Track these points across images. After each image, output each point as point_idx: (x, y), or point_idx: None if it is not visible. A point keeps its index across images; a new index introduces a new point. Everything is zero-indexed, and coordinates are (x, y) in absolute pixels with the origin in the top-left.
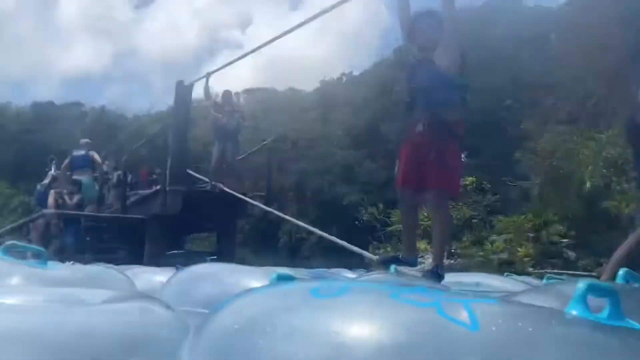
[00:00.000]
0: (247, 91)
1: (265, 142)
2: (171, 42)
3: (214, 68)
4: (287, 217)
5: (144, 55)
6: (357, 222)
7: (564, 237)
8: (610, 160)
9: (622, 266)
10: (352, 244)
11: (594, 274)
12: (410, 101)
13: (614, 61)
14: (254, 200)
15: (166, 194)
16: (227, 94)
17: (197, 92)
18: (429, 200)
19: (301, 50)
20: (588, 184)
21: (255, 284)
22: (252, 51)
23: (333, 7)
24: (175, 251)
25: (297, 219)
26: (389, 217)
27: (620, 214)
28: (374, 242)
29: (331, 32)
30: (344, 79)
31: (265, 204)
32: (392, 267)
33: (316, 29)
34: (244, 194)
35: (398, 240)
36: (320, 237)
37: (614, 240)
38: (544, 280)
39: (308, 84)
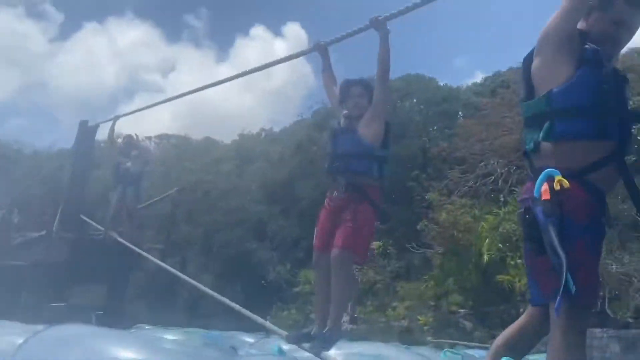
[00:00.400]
0: (161, 136)
1: (170, 192)
2: (86, 80)
3: (131, 110)
4: (179, 274)
5: (54, 90)
6: (263, 282)
7: (462, 308)
8: (506, 235)
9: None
10: (257, 303)
11: (487, 345)
12: (330, 167)
13: (513, 142)
14: (151, 252)
15: (52, 239)
16: (129, 138)
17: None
18: (333, 261)
19: (223, 101)
20: (486, 257)
21: (123, 353)
22: (170, 99)
23: (261, 68)
24: (58, 304)
25: (200, 274)
26: (296, 277)
27: (513, 288)
28: (279, 303)
29: (255, 87)
30: (263, 134)
31: (162, 257)
32: (276, 347)
33: (241, 81)
34: (140, 246)
35: (303, 302)
36: (223, 294)
37: (507, 313)
38: (442, 355)
39: (226, 136)
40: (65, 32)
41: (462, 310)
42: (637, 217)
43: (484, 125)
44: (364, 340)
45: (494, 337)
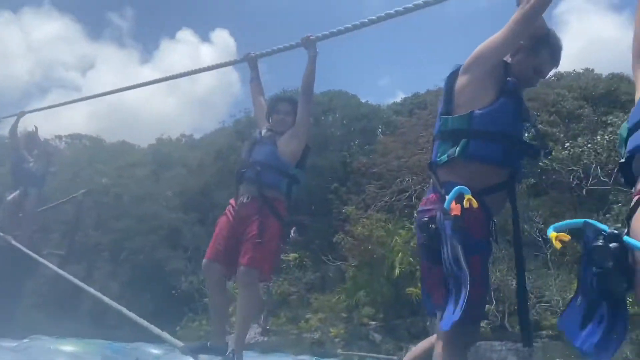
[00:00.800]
0: (73, 136)
1: (75, 195)
2: None
3: (42, 106)
4: (75, 281)
5: None
6: (174, 291)
7: (373, 320)
8: (416, 250)
9: None
10: (167, 313)
11: (394, 357)
12: (241, 173)
13: (428, 161)
14: (50, 258)
15: None
16: (31, 135)
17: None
18: (238, 278)
19: (144, 104)
20: (397, 271)
21: None
22: (85, 98)
23: (188, 74)
24: None
25: (107, 281)
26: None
27: (420, 301)
28: (190, 314)
29: (179, 92)
30: (183, 140)
31: (63, 263)
32: None
33: (164, 85)
34: (39, 251)
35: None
36: (131, 303)
37: (414, 325)
38: None
39: (143, 140)
40: None
41: (372, 323)
42: (535, 236)
43: (402, 143)
44: (275, 352)
45: (401, 349)
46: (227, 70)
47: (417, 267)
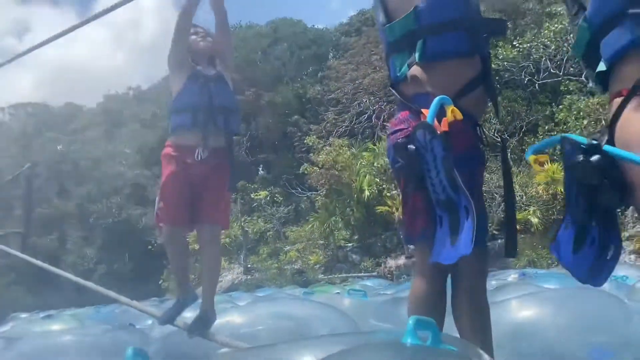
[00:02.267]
0: (16, 106)
1: (21, 171)
2: None
3: None
4: (36, 262)
5: None
6: (150, 247)
7: (349, 242)
8: (381, 169)
9: None
10: (145, 269)
11: (374, 273)
12: (205, 121)
13: (382, 79)
14: (10, 237)
15: None
16: None
17: None
18: (203, 237)
19: (90, 62)
20: (367, 192)
21: None
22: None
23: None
24: None
25: (82, 248)
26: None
27: (392, 217)
28: (169, 266)
29: (124, 44)
30: (131, 93)
31: (23, 240)
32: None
33: (109, 39)
34: None
35: (194, 260)
36: (110, 265)
37: (389, 240)
38: (346, 295)
39: (92, 99)
40: None
41: (349, 245)
42: (494, 138)
43: (354, 64)
44: (260, 288)
45: (379, 264)
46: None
47: (384, 186)
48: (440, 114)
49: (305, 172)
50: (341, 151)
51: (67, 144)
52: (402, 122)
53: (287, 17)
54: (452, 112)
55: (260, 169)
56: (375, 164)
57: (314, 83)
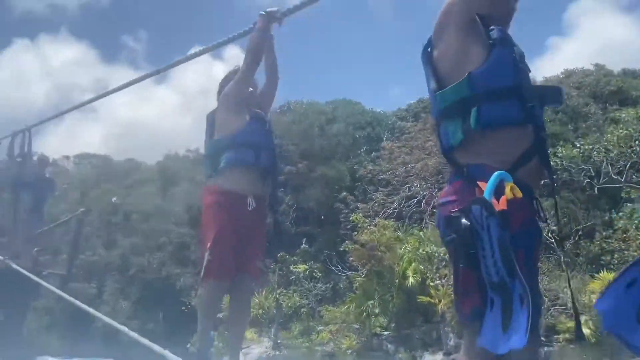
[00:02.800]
0: (81, 156)
1: (75, 214)
2: (14, 96)
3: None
4: (77, 303)
5: None
6: (184, 308)
7: (385, 330)
8: (426, 257)
9: None
10: (179, 329)
11: None
12: (261, 161)
13: (435, 165)
14: (50, 278)
15: None
16: (45, 159)
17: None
18: (243, 289)
19: (158, 123)
20: (412, 280)
21: None
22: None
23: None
24: None
25: (118, 300)
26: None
27: (434, 309)
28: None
29: (193, 110)
30: (190, 155)
31: (63, 283)
32: None
33: (180, 104)
34: (39, 272)
35: (226, 327)
36: (143, 321)
37: (428, 334)
38: None
39: (151, 157)
40: None
41: (385, 333)
42: (547, 237)
43: (408, 148)
44: None
45: (414, 358)
46: None
47: (428, 275)
48: (498, 189)
49: (347, 249)
50: (386, 232)
51: (122, 197)
52: (455, 192)
53: (347, 99)
54: (512, 190)
55: (303, 242)
56: (420, 250)
57: (366, 162)
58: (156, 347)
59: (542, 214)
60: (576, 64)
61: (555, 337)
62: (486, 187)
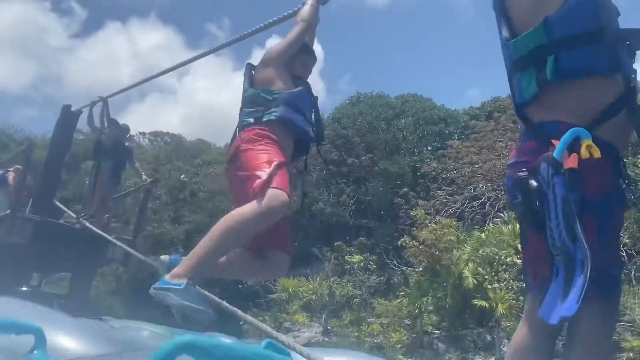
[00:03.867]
0: (155, 133)
1: (144, 184)
2: (102, 76)
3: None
4: (145, 259)
5: (68, 84)
6: (240, 286)
7: (437, 329)
8: (486, 259)
9: None
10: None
11: None
12: (307, 133)
13: (503, 167)
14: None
15: (15, 219)
16: (126, 128)
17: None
18: (279, 267)
19: (233, 108)
20: (471, 280)
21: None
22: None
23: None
24: (19, 287)
25: None
26: (273, 285)
27: (490, 313)
28: (254, 309)
29: None
30: None
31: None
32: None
33: None
34: (108, 233)
35: (279, 309)
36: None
37: (481, 338)
38: None
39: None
40: (87, 29)
41: (437, 332)
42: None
43: (477, 148)
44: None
45: None
46: (314, 81)
47: (486, 278)
48: (574, 147)
49: (404, 244)
50: (447, 231)
51: (190, 175)
52: (527, 153)
53: (417, 93)
54: (588, 148)
55: (361, 235)
56: (480, 252)
57: (431, 159)
58: (231, 308)
59: (626, 176)
60: None
61: (619, 355)
62: (559, 144)
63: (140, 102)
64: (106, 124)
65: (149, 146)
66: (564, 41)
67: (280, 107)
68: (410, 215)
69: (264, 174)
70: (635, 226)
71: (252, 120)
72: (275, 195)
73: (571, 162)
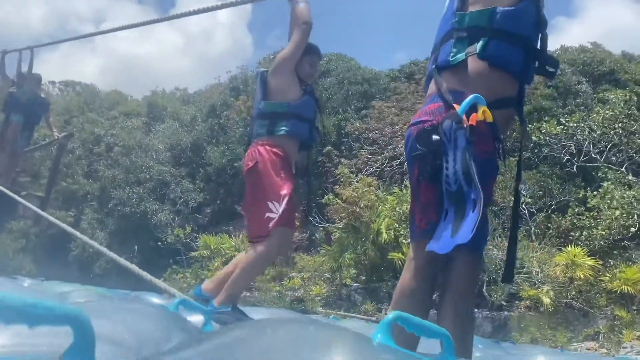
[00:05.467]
0: (66, 83)
1: (57, 138)
2: (8, 19)
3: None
4: (59, 223)
5: None
6: (160, 243)
7: (355, 282)
8: (402, 216)
9: None
10: (152, 264)
11: (373, 318)
12: (309, 131)
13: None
14: (30, 199)
15: None
16: (38, 77)
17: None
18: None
19: (157, 60)
20: (385, 235)
21: None
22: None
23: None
24: None
25: (95, 230)
26: (195, 242)
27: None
28: (175, 266)
29: (192, 51)
30: (177, 93)
31: (41, 206)
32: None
33: (180, 43)
34: (18, 192)
35: (200, 266)
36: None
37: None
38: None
39: (139, 92)
40: None
41: (355, 284)
42: (521, 208)
43: (398, 109)
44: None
45: (380, 310)
46: (242, 35)
47: (401, 233)
48: (471, 112)
49: (327, 202)
50: (368, 190)
51: (105, 128)
52: (430, 114)
53: (342, 53)
54: (484, 112)
55: None
56: (397, 209)
57: (355, 119)
58: (145, 274)
59: (502, 156)
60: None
61: (517, 303)
62: (462, 105)
63: (52, 50)
64: (25, 76)
65: (59, 96)
66: (500, 32)
67: (290, 121)
68: (333, 174)
69: (275, 208)
70: (536, 186)
71: (264, 132)
72: (285, 234)
73: (472, 120)
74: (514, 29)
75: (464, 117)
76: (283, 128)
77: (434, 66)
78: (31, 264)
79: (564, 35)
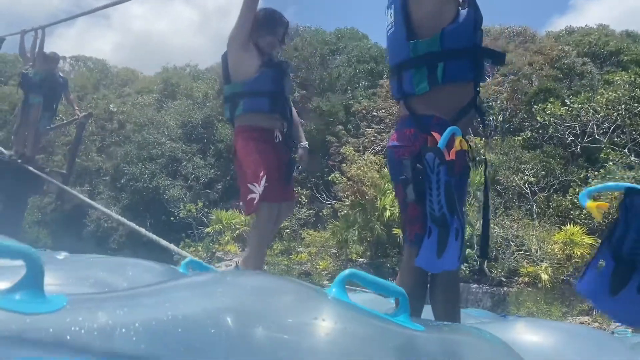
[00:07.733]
0: (77, 58)
1: (78, 117)
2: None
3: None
4: (84, 198)
5: None
6: (172, 218)
7: (361, 257)
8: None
9: None
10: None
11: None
12: (283, 106)
13: None
14: (53, 176)
15: None
16: (56, 57)
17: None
18: (284, 213)
19: (172, 38)
20: (388, 212)
21: None
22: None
23: None
24: None
25: (109, 205)
26: (206, 217)
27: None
28: (187, 240)
29: (206, 27)
30: (187, 69)
31: (63, 183)
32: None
33: (196, 21)
34: (43, 168)
35: (211, 240)
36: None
37: (399, 262)
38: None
39: (152, 69)
40: None
41: (360, 259)
42: (523, 187)
43: None
44: None
45: None
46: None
47: None
48: (449, 142)
49: (334, 180)
50: (373, 168)
51: (118, 105)
52: (407, 138)
53: (355, 29)
54: (460, 143)
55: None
56: None
57: (363, 98)
58: (163, 242)
59: (471, 155)
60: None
61: (516, 279)
62: (441, 138)
63: (69, 26)
64: (37, 56)
65: (71, 72)
66: (451, 52)
67: (245, 99)
68: (340, 152)
69: (255, 189)
70: (539, 165)
71: (229, 115)
72: (271, 208)
73: (452, 155)
74: (462, 43)
75: (445, 149)
76: (240, 107)
77: (399, 96)
78: (47, 238)
79: (582, 16)
